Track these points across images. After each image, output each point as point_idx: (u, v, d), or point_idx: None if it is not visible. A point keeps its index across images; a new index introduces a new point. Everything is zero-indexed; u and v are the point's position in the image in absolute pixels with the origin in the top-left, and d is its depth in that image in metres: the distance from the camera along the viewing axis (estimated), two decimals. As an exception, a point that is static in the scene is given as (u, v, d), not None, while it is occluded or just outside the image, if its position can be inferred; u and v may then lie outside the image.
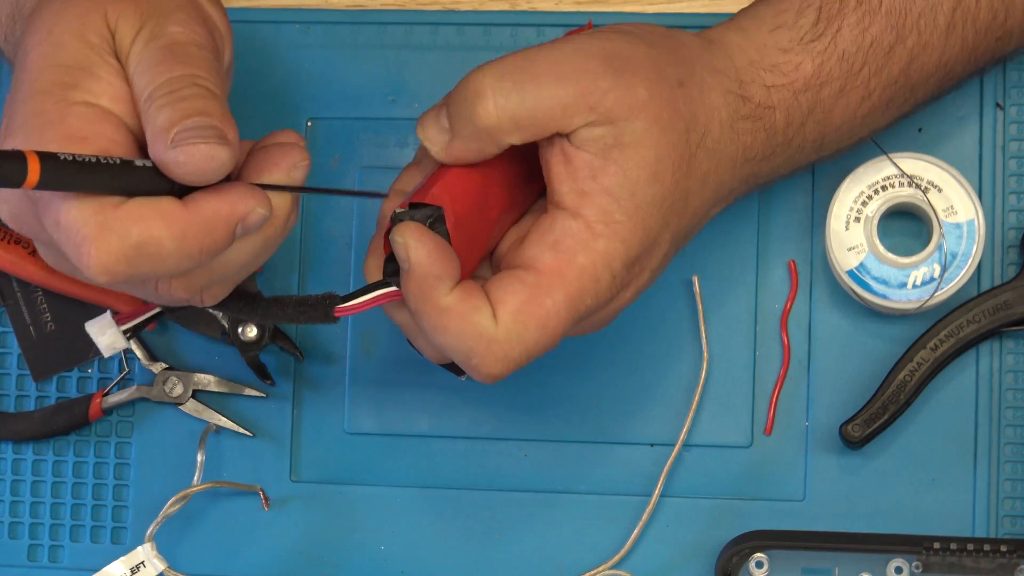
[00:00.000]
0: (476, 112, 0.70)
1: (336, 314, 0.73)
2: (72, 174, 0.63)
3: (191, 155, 0.65)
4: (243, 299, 0.73)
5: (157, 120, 0.66)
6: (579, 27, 0.79)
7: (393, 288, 0.72)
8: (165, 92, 0.66)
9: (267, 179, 0.69)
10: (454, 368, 0.86)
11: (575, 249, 0.70)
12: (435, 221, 0.71)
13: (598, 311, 0.72)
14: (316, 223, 0.88)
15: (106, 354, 0.76)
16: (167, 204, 0.65)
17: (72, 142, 0.65)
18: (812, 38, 0.76)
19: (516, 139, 0.71)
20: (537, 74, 0.70)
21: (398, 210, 0.71)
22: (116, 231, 0.64)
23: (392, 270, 0.72)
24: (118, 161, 0.65)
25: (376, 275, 0.73)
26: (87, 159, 0.64)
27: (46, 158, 0.62)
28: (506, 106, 0.70)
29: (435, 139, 0.72)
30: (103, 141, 0.66)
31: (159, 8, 0.69)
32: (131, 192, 0.65)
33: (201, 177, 0.65)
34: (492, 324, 0.70)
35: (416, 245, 0.69)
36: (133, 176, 0.66)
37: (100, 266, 0.64)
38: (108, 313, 0.75)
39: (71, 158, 0.63)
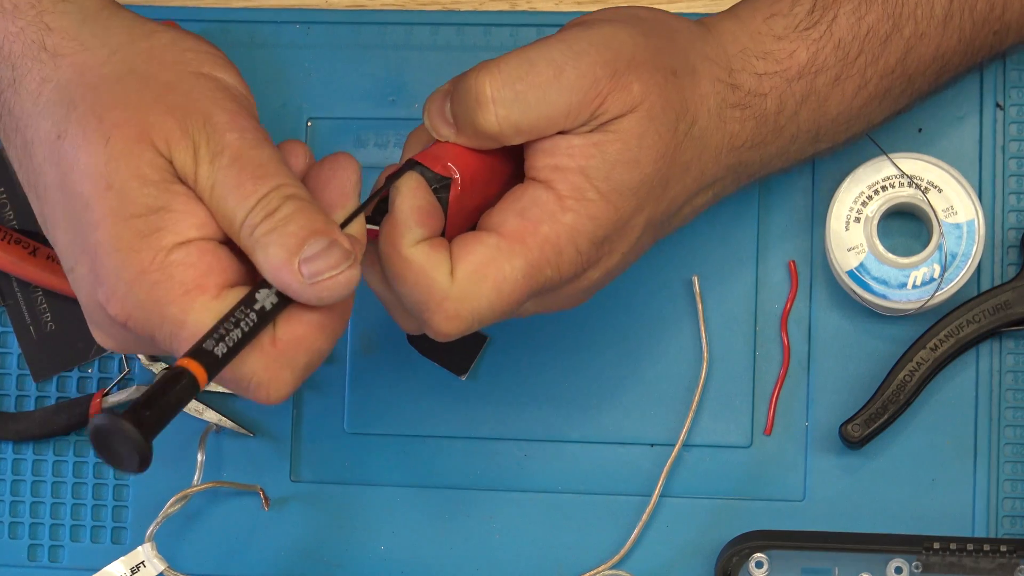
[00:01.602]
0: (478, 120, 0.70)
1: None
2: (228, 355, 0.66)
3: (334, 289, 0.66)
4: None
5: (270, 253, 0.66)
6: None
7: (375, 227, 0.72)
8: (263, 218, 0.67)
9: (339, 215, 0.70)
10: (454, 368, 0.86)
11: (541, 218, 0.70)
12: (441, 188, 0.71)
13: (562, 287, 0.72)
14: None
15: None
16: (317, 316, 0.68)
17: (190, 295, 0.66)
18: (807, 26, 0.76)
19: (518, 141, 0.71)
20: (539, 83, 0.70)
21: (414, 159, 0.72)
22: (287, 366, 0.67)
23: (383, 211, 0.72)
24: (254, 318, 0.66)
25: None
26: (233, 337, 0.66)
27: (203, 357, 0.65)
28: (508, 117, 0.70)
29: (440, 129, 0.72)
30: (214, 276, 0.67)
31: (198, 114, 0.68)
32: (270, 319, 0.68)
33: (341, 297, 0.67)
34: (447, 281, 0.70)
35: (407, 195, 0.70)
36: (270, 318, 0.67)
37: (280, 399, 0.68)
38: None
39: (221, 347, 0.65)
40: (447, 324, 0.70)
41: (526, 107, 0.70)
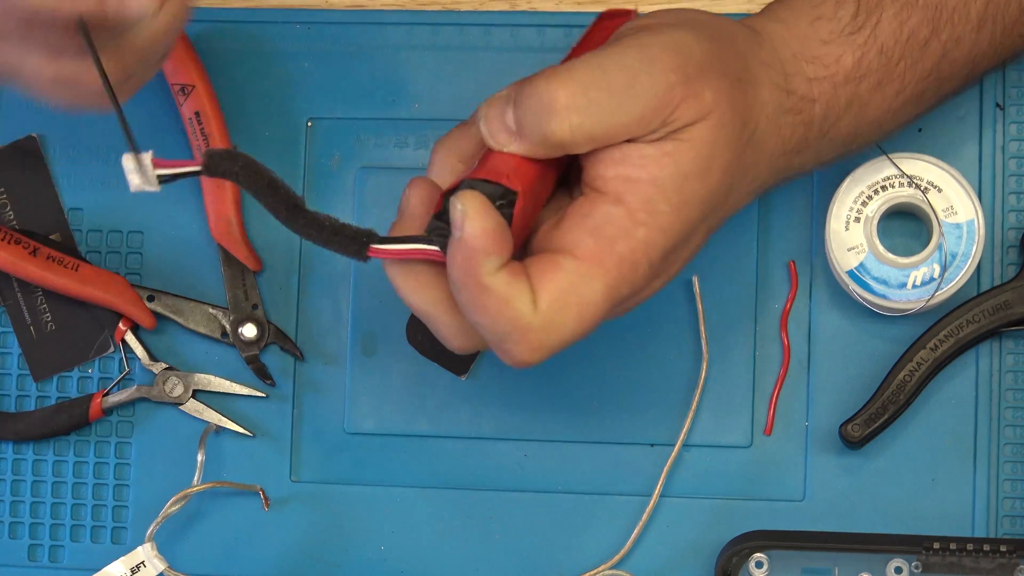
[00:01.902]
0: (550, 128, 0.68)
1: (369, 253, 0.69)
2: None
3: None
4: (286, 203, 0.69)
5: None
6: (620, 10, 0.77)
7: (435, 248, 0.69)
8: None
9: None
10: (454, 368, 0.86)
11: (615, 236, 0.69)
12: (505, 204, 0.69)
13: (635, 297, 0.72)
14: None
15: (132, 189, 0.70)
16: None
17: None
18: (852, 30, 0.75)
19: (586, 150, 0.70)
20: (613, 90, 0.68)
21: (472, 177, 0.69)
22: None
23: (436, 230, 0.69)
24: None
25: (417, 207, 0.72)
26: None
27: None
28: (582, 125, 0.68)
29: (498, 136, 0.70)
30: None
31: None
32: None
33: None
34: (531, 311, 0.68)
35: (475, 217, 0.67)
36: None
37: None
38: (150, 153, 0.70)
39: None
40: (530, 355, 0.69)
41: (601, 115, 0.68)
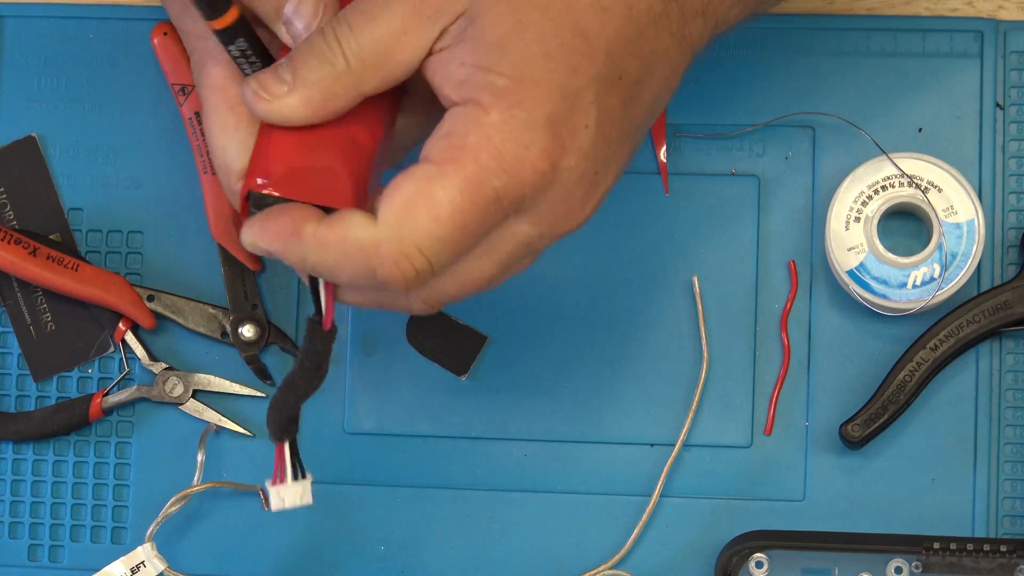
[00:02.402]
0: (327, 60, 0.65)
1: (327, 327, 0.70)
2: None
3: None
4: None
5: None
6: None
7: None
8: None
9: None
10: (454, 368, 0.86)
11: (466, 131, 0.64)
12: (260, 201, 0.67)
13: (538, 193, 0.66)
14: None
15: (309, 501, 0.74)
16: None
17: None
18: None
19: (375, 81, 0.66)
20: (366, 9, 0.65)
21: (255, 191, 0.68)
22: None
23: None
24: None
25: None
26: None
27: None
28: (351, 49, 0.65)
29: (273, 89, 0.66)
30: None
31: None
32: None
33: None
34: (371, 227, 0.65)
35: (257, 237, 0.66)
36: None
37: None
38: (269, 488, 0.74)
39: None
40: (398, 270, 0.65)
41: (360, 32, 0.65)
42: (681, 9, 0.69)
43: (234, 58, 0.68)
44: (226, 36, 0.67)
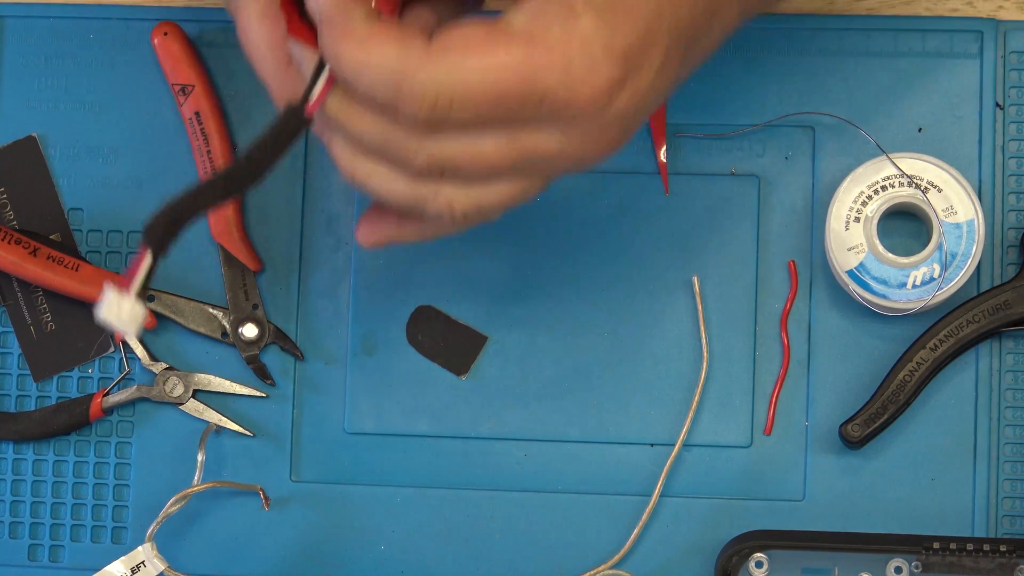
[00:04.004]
0: None
1: (308, 114, 0.66)
2: None
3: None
4: (225, 180, 0.66)
5: None
6: None
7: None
8: None
9: None
10: (454, 367, 0.86)
11: (554, 19, 0.63)
12: None
13: (582, 112, 0.65)
14: (316, 214, 0.88)
15: (132, 331, 0.66)
16: None
17: None
18: None
19: None
20: None
21: None
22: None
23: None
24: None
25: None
26: None
27: None
28: None
29: None
30: None
31: None
32: None
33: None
34: (423, 46, 0.63)
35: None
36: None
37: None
38: (108, 289, 0.65)
39: None
40: (422, 93, 0.63)
41: None
42: None
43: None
44: None
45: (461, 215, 0.68)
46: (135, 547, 0.84)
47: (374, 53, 0.63)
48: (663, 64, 0.67)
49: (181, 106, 0.87)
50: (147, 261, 0.65)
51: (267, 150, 0.65)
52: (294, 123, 0.66)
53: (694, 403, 0.85)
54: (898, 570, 0.82)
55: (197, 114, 0.87)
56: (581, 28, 0.64)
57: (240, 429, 0.87)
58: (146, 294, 0.65)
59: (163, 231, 0.64)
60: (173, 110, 0.88)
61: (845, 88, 0.86)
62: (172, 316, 0.88)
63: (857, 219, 0.84)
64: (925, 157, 0.84)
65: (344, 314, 0.88)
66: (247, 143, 0.65)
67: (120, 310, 0.65)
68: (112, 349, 0.88)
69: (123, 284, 0.65)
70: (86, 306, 0.88)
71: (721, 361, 0.86)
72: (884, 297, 0.83)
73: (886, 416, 0.83)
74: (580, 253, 0.87)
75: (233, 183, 0.65)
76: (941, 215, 0.83)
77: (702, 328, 0.86)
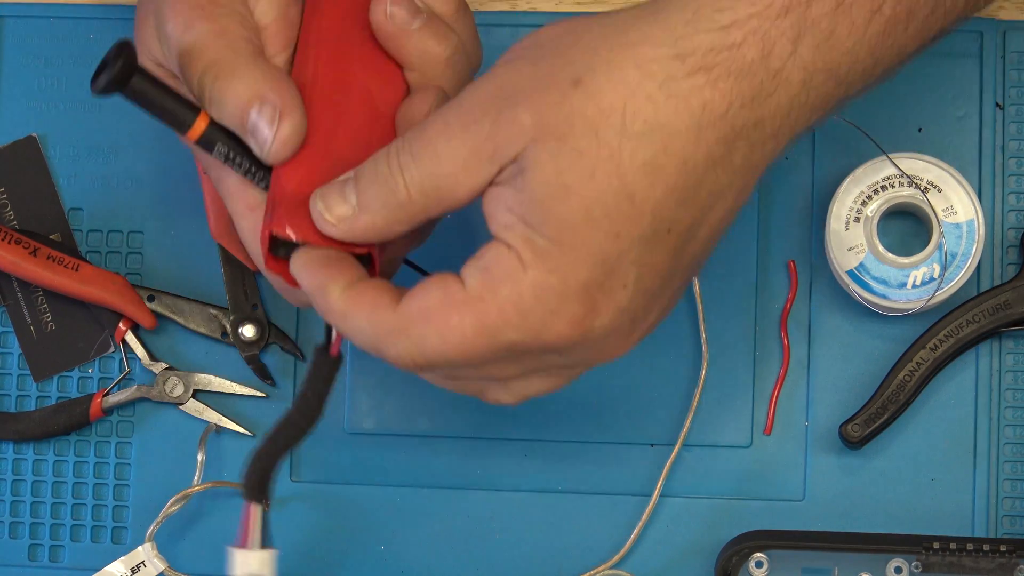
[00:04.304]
0: (390, 188, 0.67)
1: (335, 355, 0.71)
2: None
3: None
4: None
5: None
6: None
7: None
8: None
9: None
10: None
11: (502, 279, 0.65)
12: (279, 243, 0.70)
13: (559, 348, 0.67)
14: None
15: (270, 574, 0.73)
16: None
17: None
18: None
19: (434, 204, 0.68)
20: (430, 140, 0.67)
21: (270, 234, 0.70)
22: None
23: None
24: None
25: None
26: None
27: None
28: (413, 179, 0.67)
29: (338, 210, 0.69)
30: None
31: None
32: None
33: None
34: (388, 313, 0.67)
35: (296, 273, 0.69)
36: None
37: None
38: (233, 553, 0.73)
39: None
40: (400, 359, 0.68)
41: (422, 165, 0.66)
42: (749, 142, 0.67)
43: (222, 163, 0.70)
44: (204, 144, 0.69)
45: (515, 401, 0.72)
46: (135, 547, 0.84)
47: (351, 327, 0.68)
48: (644, 270, 0.66)
49: (181, 106, 0.87)
50: (255, 514, 0.72)
51: (312, 395, 0.71)
52: (326, 365, 0.71)
53: (694, 403, 0.85)
54: (898, 570, 0.82)
55: (197, 114, 0.87)
56: (529, 281, 0.65)
57: (240, 429, 0.87)
58: (268, 540, 0.72)
59: (258, 484, 0.71)
60: (173, 110, 0.88)
61: (845, 88, 0.86)
62: (172, 316, 0.88)
63: (857, 219, 0.84)
64: (925, 157, 0.84)
65: (344, 314, 0.88)
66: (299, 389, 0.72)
67: (252, 563, 0.72)
68: (112, 349, 0.88)
69: (243, 542, 0.72)
70: (86, 306, 0.88)
71: (721, 361, 0.86)
72: (884, 297, 0.83)
73: (886, 416, 0.83)
74: (580, 253, 0.87)
75: (300, 426, 0.71)
76: (941, 215, 0.83)
77: (702, 328, 0.86)
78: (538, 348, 0.66)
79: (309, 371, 0.71)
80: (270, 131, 0.69)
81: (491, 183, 0.66)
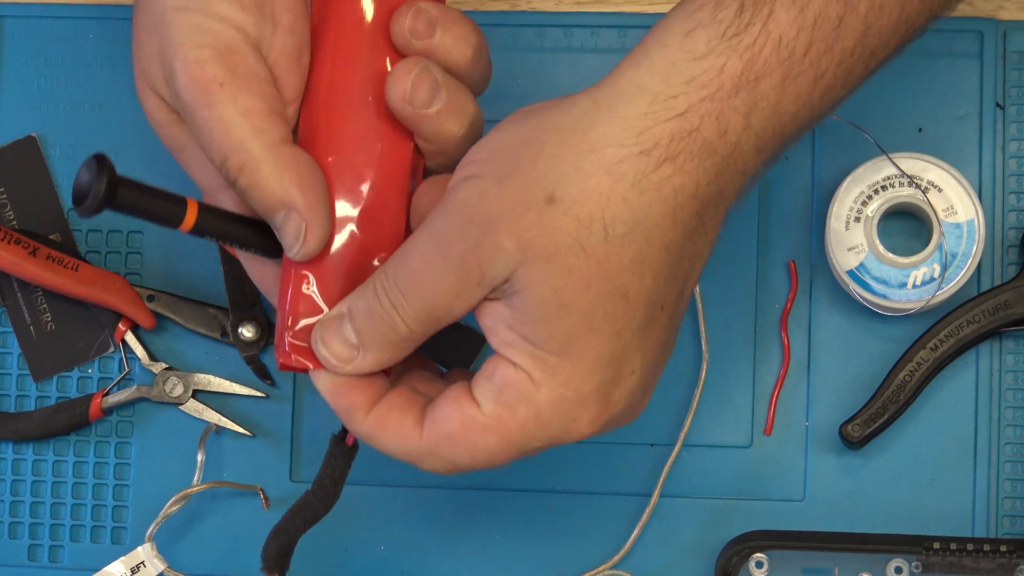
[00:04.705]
0: (392, 323, 0.69)
1: (351, 444, 0.74)
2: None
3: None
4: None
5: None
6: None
7: None
8: (231, 184, 0.72)
9: None
10: (454, 367, 0.86)
11: (517, 400, 0.68)
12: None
13: (582, 437, 0.70)
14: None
15: None
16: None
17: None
18: (736, 31, 0.66)
19: (433, 330, 0.70)
20: (416, 276, 0.68)
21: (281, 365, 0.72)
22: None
23: None
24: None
25: None
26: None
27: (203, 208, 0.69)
28: (408, 314, 0.69)
29: (341, 354, 0.71)
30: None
31: (166, 59, 0.73)
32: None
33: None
34: (415, 440, 0.70)
35: (323, 391, 0.72)
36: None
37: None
38: None
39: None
40: (433, 471, 0.71)
41: (413, 302, 0.68)
42: (715, 207, 0.69)
43: (217, 244, 0.74)
44: (197, 233, 0.70)
45: None
46: (135, 547, 0.84)
47: (381, 445, 0.71)
48: (646, 351, 0.69)
49: (181, 106, 0.87)
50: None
51: (328, 482, 0.74)
52: (342, 455, 0.74)
53: (694, 403, 0.85)
54: (898, 570, 0.82)
55: (197, 114, 0.87)
56: (544, 399, 0.68)
57: (240, 429, 0.87)
58: None
59: (277, 560, 0.74)
60: (173, 110, 0.88)
61: (845, 88, 0.86)
62: (172, 316, 0.88)
63: (857, 219, 0.84)
64: (925, 157, 0.84)
65: (344, 314, 0.88)
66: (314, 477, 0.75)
67: None
68: (112, 349, 0.88)
69: None
70: (86, 306, 0.88)
71: (721, 361, 0.86)
72: (884, 297, 0.83)
73: (886, 416, 0.83)
74: (580, 253, 0.87)
75: (317, 510, 0.74)
76: (941, 215, 0.83)
77: (702, 328, 0.86)
78: (557, 443, 0.70)
79: (326, 459, 0.74)
80: (295, 242, 0.71)
81: (484, 299, 0.68)
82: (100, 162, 0.65)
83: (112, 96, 0.90)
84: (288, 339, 0.71)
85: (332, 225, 0.71)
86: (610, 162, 0.66)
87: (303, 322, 0.71)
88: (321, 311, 0.71)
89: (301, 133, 0.73)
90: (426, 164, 0.74)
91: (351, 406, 0.71)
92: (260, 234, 0.72)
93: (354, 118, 0.73)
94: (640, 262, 0.67)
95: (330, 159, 0.72)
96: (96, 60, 0.90)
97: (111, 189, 0.66)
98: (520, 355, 0.68)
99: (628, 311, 0.67)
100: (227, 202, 0.74)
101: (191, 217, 0.69)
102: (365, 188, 0.72)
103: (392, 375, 0.73)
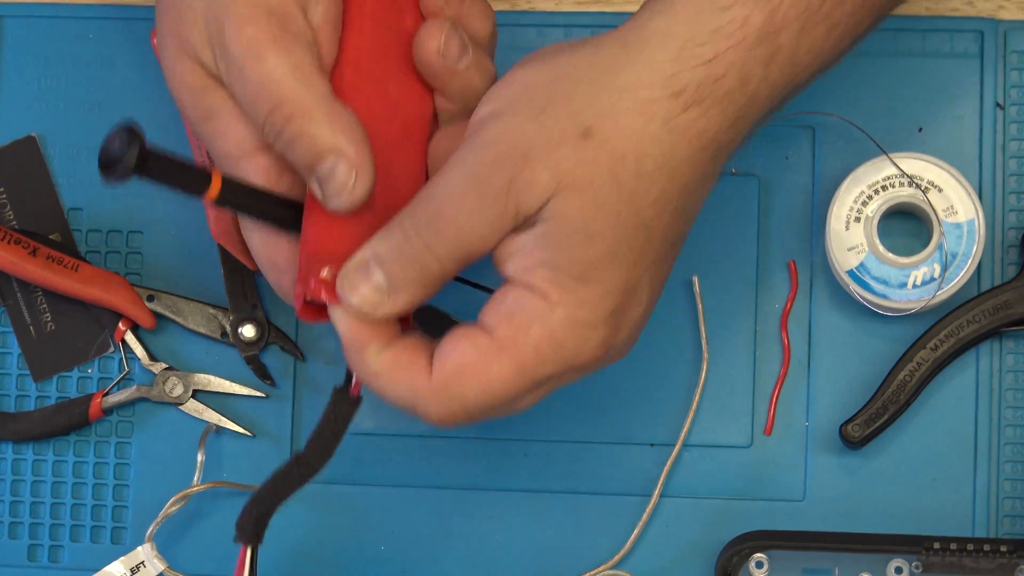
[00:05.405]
0: (422, 266, 0.69)
1: (355, 394, 0.73)
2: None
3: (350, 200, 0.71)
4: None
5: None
6: None
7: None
8: (273, 138, 0.72)
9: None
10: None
11: (531, 320, 0.68)
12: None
13: (586, 366, 0.70)
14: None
15: None
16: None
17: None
18: None
19: (465, 266, 0.70)
20: (450, 217, 0.68)
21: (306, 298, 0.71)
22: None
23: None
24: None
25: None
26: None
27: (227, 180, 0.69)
28: (444, 254, 0.69)
29: (372, 298, 0.70)
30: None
31: (214, 20, 0.72)
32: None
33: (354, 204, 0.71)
34: (423, 379, 0.69)
35: (336, 324, 0.71)
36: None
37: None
38: None
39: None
40: (438, 418, 0.70)
41: (448, 240, 0.68)
42: (727, 153, 0.72)
43: (236, 213, 0.74)
44: (221, 204, 0.70)
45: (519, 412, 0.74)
46: (135, 547, 0.84)
47: (387, 389, 0.70)
48: (654, 284, 0.72)
49: (181, 106, 0.87)
50: (247, 555, 0.74)
51: (328, 433, 0.72)
52: (345, 405, 0.73)
53: (694, 403, 0.85)
54: (898, 570, 0.82)
55: (197, 114, 0.87)
56: (559, 317, 0.68)
57: (240, 429, 0.87)
58: None
59: (253, 526, 0.73)
60: (173, 110, 0.88)
61: (845, 88, 0.86)
62: (172, 316, 0.88)
63: (857, 219, 0.84)
64: (925, 157, 0.84)
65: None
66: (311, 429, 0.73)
67: None
68: (112, 349, 0.88)
69: None
70: (86, 306, 0.88)
71: (721, 361, 0.86)
72: (884, 297, 0.83)
73: (886, 416, 0.83)
74: (580, 253, 0.87)
75: (305, 469, 0.72)
76: (941, 215, 0.83)
77: (702, 328, 0.86)
78: (567, 371, 0.70)
79: (327, 410, 0.72)
80: (343, 188, 0.70)
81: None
82: (131, 133, 0.66)
83: (112, 96, 0.90)
84: (312, 282, 0.70)
85: (375, 177, 0.71)
86: (643, 102, 0.68)
87: (325, 271, 0.70)
88: (344, 259, 0.70)
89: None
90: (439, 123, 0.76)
91: (369, 338, 0.70)
92: (281, 206, 0.72)
93: (382, 78, 0.74)
94: (663, 199, 0.69)
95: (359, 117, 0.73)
96: (96, 60, 0.90)
97: (142, 157, 0.66)
98: (538, 278, 0.68)
99: (647, 245, 0.70)
100: (249, 171, 0.74)
101: (215, 186, 0.69)
102: (389, 144, 0.73)
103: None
